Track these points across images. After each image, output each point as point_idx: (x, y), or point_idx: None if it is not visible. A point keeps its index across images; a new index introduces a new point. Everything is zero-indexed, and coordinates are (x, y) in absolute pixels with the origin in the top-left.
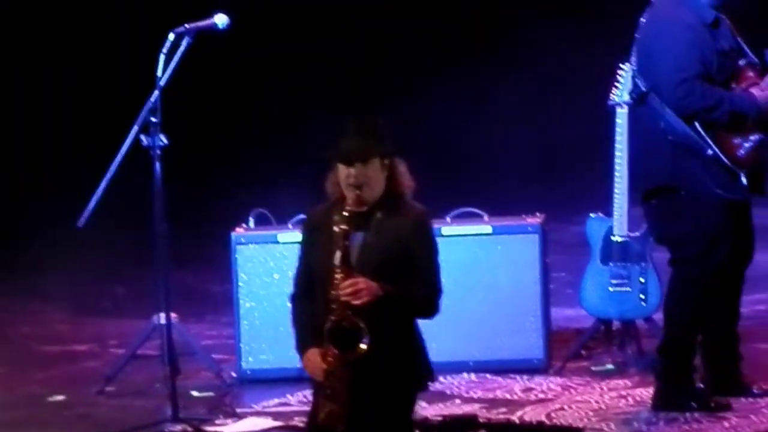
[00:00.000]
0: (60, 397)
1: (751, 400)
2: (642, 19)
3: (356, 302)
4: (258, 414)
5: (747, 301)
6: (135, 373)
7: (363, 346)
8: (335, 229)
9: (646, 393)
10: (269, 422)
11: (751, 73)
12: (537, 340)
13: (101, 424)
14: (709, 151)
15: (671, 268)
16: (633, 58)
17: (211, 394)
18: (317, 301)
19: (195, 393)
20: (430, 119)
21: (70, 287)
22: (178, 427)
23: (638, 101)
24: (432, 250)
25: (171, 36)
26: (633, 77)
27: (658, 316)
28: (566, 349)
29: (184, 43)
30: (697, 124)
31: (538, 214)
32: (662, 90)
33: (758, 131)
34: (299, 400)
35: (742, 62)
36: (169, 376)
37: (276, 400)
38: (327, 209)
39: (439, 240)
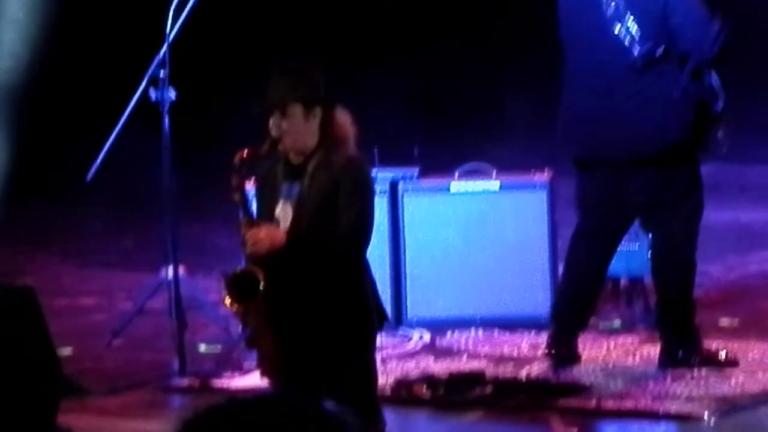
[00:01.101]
0: (67, 350)
1: (755, 357)
2: None
3: (257, 251)
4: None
5: (755, 259)
6: (142, 326)
7: (259, 289)
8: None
9: (653, 350)
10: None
11: None
12: (544, 296)
13: (108, 378)
14: (719, 106)
15: (665, 228)
16: (627, 25)
17: (218, 348)
18: None
19: (202, 347)
20: (441, 74)
21: (78, 240)
22: (185, 380)
23: (647, 66)
24: (357, 195)
25: None
26: (637, 43)
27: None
28: None
29: None
30: (715, 75)
31: (546, 169)
32: (695, 43)
33: None
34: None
35: None
36: (177, 330)
37: None
38: (271, 159)
39: (446, 196)
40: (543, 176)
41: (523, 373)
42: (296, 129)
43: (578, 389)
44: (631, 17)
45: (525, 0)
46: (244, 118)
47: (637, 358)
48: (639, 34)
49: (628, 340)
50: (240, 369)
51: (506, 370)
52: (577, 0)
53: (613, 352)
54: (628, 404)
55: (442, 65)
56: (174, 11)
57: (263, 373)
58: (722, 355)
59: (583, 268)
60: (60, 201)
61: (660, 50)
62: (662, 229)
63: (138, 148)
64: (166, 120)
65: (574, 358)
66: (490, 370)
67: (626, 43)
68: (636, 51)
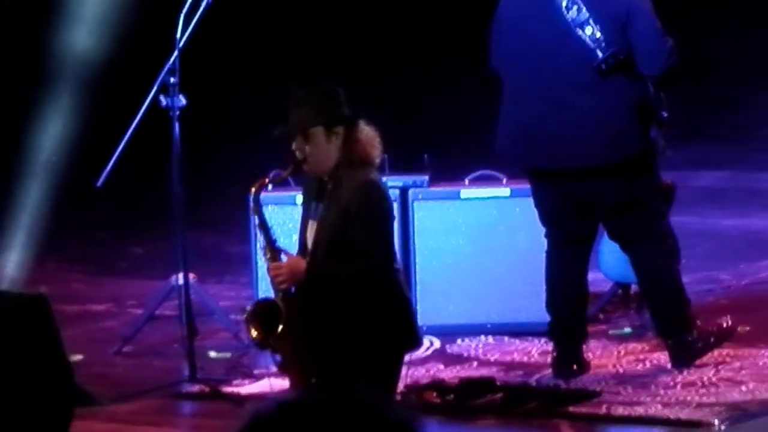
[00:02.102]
0: (78, 357)
1: (766, 364)
2: None
3: (279, 287)
4: (275, 375)
5: (765, 266)
6: (153, 333)
7: (279, 327)
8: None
9: (664, 357)
10: (286, 384)
11: None
12: None
13: (118, 384)
14: (665, 113)
15: (638, 234)
16: (591, 29)
17: (228, 355)
18: None
19: (213, 354)
20: (449, 79)
21: (88, 246)
22: (196, 387)
23: (608, 71)
24: (370, 221)
25: None
26: (600, 48)
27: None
28: None
29: (204, 3)
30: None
31: None
32: (647, 57)
33: None
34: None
35: None
36: (187, 336)
37: None
38: (312, 177)
39: (456, 203)
40: None
41: (533, 380)
42: (318, 152)
43: (588, 396)
44: (594, 21)
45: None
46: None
47: (647, 364)
48: (603, 38)
49: (638, 347)
50: (250, 375)
51: (516, 377)
52: (527, 7)
53: (623, 359)
54: (639, 411)
55: (452, 72)
56: (184, 18)
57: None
58: (725, 323)
59: (563, 280)
60: (70, 207)
61: (623, 55)
62: (629, 235)
63: (148, 155)
64: (176, 126)
65: (584, 369)
66: (501, 377)
67: (591, 46)
68: (600, 55)
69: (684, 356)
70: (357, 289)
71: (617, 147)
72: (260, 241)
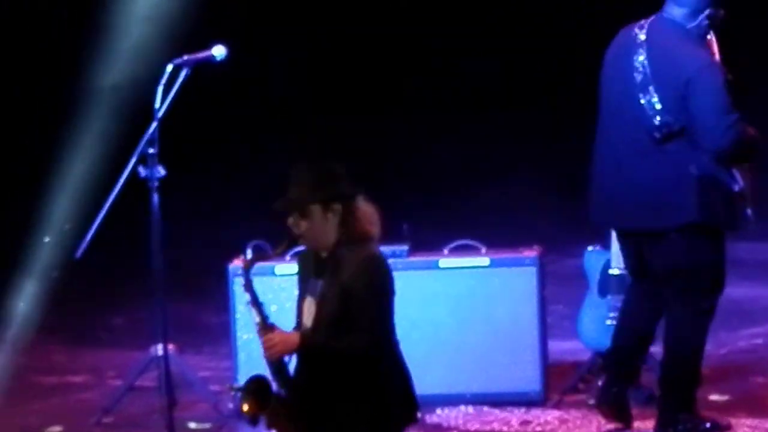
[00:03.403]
0: (57, 429)
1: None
2: (639, 53)
3: (270, 356)
4: None
5: (745, 335)
6: (132, 404)
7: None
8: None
9: (644, 426)
10: None
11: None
12: (534, 372)
13: None
14: (737, 187)
15: (679, 300)
16: (653, 96)
17: (208, 426)
18: None
19: (192, 425)
20: (430, 152)
21: (67, 317)
22: None
23: (663, 140)
24: (371, 297)
25: (169, 67)
26: (658, 114)
27: (655, 350)
28: (564, 382)
29: (182, 74)
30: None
31: (535, 246)
32: (706, 132)
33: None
34: None
35: None
36: (167, 407)
37: None
38: (308, 252)
39: (435, 272)
40: (532, 252)
41: None
42: (315, 229)
43: None
44: (654, 88)
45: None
46: (233, 196)
47: None
48: (660, 106)
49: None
50: None
51: None
52: (616, 64)
53: (604, 428)
54: None
55: (430, 141)
56: (163, 88)
57: None
58: (724, 422)
59: (632, 313)
60: (48, 277)
61: (677, 125)
62: (674, 300)
63: (127, 225)
64: (155, 197)
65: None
66: None
67: (649, 112)
68: (656, 122)
69: (669, 431)
70: (357, 363)
71: (667, 215)
72: (254, 317)
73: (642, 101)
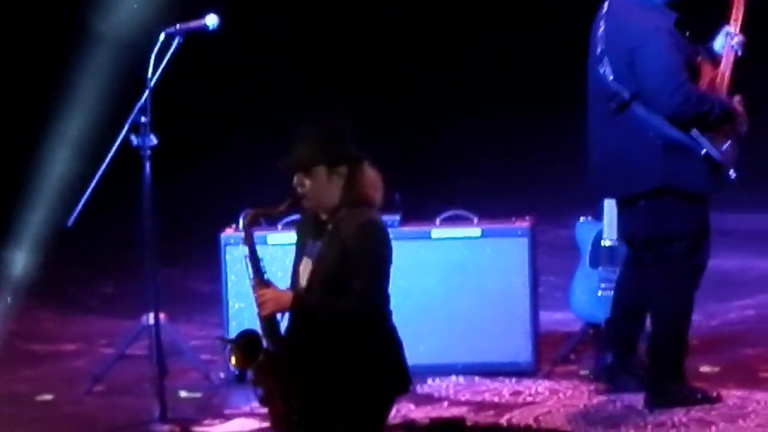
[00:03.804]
0: (47, 396)
1: (736, 404)
2: (600, 25)
3: (262, 313)
4: (246, 416)
5: (736, 306)
6: (123, 372)
7: (260, 353)
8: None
9: (634, 397)
10: (257, 424)
11: (708, 68)
12: (525, 343)
13: (88, 424)
14: (702, 151)
15: (657, 268)
16: (606, 66)
17: (199, 394)
18: None
19: (183, 393)
20: (421, 121)
21: (58, 285)
22: (166, 427)
23: (619, 109)
24: (369, 262)
25: (162, 36)
26: (611, 86)
27: (647, 321)
28: (555, 353)
29: (175, 43)
30: (694, 128)
31: (527, 217)
32: (654, 97)
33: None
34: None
35: (699, 58)
36: (157, 376)
37: None
38: (307, 214)
39: (427, 242)
40: (524, 223)
41: (503, 420)
42: (318, 189)
43: None
44: (608, 58)
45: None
46: (224, 164)
47: (618, 404)
48: (612, 76)
49: (609, 387)
50: (221, 415)
51: (487, 417)
52: (590, 37)
53: (594, 399)
54: None
55: (423, 112)
56: (155, 57)
57: (274, 429)
58: (715, 393)
59: (623, 289)
60: (40, 246)
61: (627, 93)
62: (659, 264)
63: (119, 194)
64: (147, 166)
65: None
66: (471, 417)
67: (605, 82)
68: (611, 91)
69: (659, 401)
70: (350, 328)
71: (634, 182)
72: (249, 273)
73: (600, 72)
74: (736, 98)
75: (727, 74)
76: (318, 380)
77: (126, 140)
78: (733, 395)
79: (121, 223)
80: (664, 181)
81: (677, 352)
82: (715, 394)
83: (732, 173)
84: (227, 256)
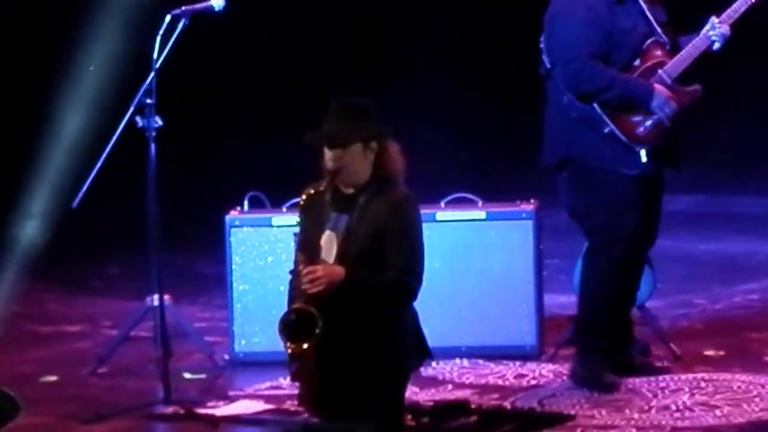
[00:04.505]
0: (52, 378)
1: (741, 388)
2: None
3: (313, 290)
4: (250, 397)
5: (740, 290)
6: (127, 354)
7: (315, 332)
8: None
9: (638, 381)
10: (261, 405)
11: (658, 52)
12: (530, 326)
13: (93, 405)
14: (606, 129)
15: (587, 244)
16: (542, 41)
17: (203, 376)
18: None
19: (187, 375)
20: (427, 104)
21: (63, 266)
22: (170, 408)
23: (546, 77)
24: (407, 236)
25: (168, 18)
26: (541, 54)
27: (651, 304)
28: (559, 336)
29: (181, 24)
30: (595, 103)
31: (532, 200)
32: (555, 69)
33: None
34: (291, 383)
35: (649, 41)
36: (162, 357)
37: (268, 383)
38: (319, 189)
39: (432, 225)
40: (529, 206)
41: (507, 403)
42: (354, 164)
43: (563, 419)
44: (542, 33)
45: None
46: (230, 146)
47: (622, 388)
48: (542, 44)
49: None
50: (225, 397)
51: (491, 400)
52: None
53: None
54: None
55: (427, 95)
56: (161, 38)
57: (303, 405)
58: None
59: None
60: (45, 227)
61: (549, 63)
62: (587, 238)
63: (124, 176)
64: (152, 147)
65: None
66: (475, 400)
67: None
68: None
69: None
70: (387, 301)
71: (550, 153)
72: (295, 251)
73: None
74: (693, 87)
75: (686, 61)
76: (346, 354)
77: (131, 122)
78: (737, 379)
79: (126, 205)
80: (572, 154)
81: (596, 333)
82: (617, 383)
83: (643, 156)
84: (232, 238)
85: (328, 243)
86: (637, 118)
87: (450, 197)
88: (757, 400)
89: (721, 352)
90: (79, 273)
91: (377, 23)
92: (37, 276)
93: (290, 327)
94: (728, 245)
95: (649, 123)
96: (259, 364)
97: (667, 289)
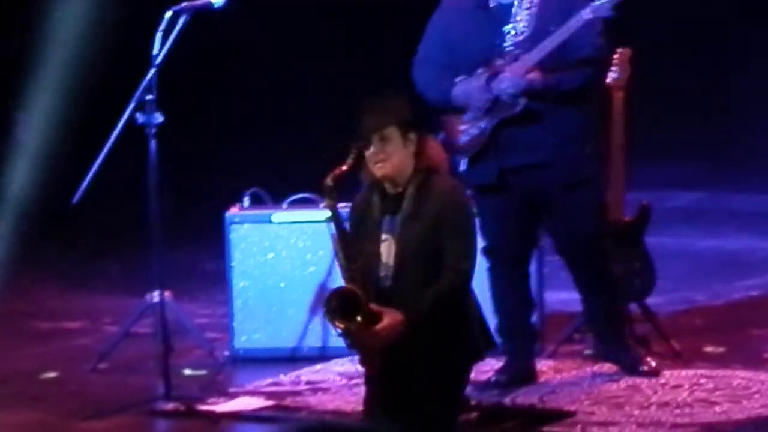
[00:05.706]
0: (52, 374)
1: (741, 385)
2: None
3: (381, 347)
4: (250, 393)
5: (741, 287)
6: (128, 350)
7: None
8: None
9: (639, 378)
10: (261, 402)
11: (500, 62)
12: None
13: (93, 401)
14: (441, 135)
15: None
16: None
17: (203, 372)
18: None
19: (188, 371)
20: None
21: (63, 263)
22: (171, 405)
23: None
24: (461, 229)
25: (168, 14)
26: None
27: (651, 300)
28: (559, 333)
29: (181, 21)
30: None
31: None
32: None
33: (490, 118)
34: (292, 380)
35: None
36: (162, 354)
37: (269, 380)
38: (366, 194)
39: None
40: None
41: (508, 400)
42: (397, 154)
43: (563, 416)
44: None
45: None
46: (230, 143)
47: (622, 384)
48: None
49: (612, 367)
50: (225, 393)
51: (491, 396)
52: None
53: (598, 379)
54: (613, 431)
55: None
56: (162, 35)
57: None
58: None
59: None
60: (45, 223)
61: None
62: None
63: (125, 172)
64: (153, 144)
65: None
66: (476, 396)
67: None
68: None
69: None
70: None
71: None
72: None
73: None
74: (534, 76)
75: (552, 43)
76: (411, 344)
77: (132, 118)
78: (737, 375)
79: (127, 201)
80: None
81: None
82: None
83: (462, 164)
84: (232, 235)
85: (387, 248)
86: (463, 126)
87: None
88: (757, 396)
89: (722, 349)
90: (79, 269)
91: (377, 23)
92: (37, 272)
93: (336, 310)
94: (729, 241)
95: (473, 131)
96: (260, 360)
97: (667, 286)
